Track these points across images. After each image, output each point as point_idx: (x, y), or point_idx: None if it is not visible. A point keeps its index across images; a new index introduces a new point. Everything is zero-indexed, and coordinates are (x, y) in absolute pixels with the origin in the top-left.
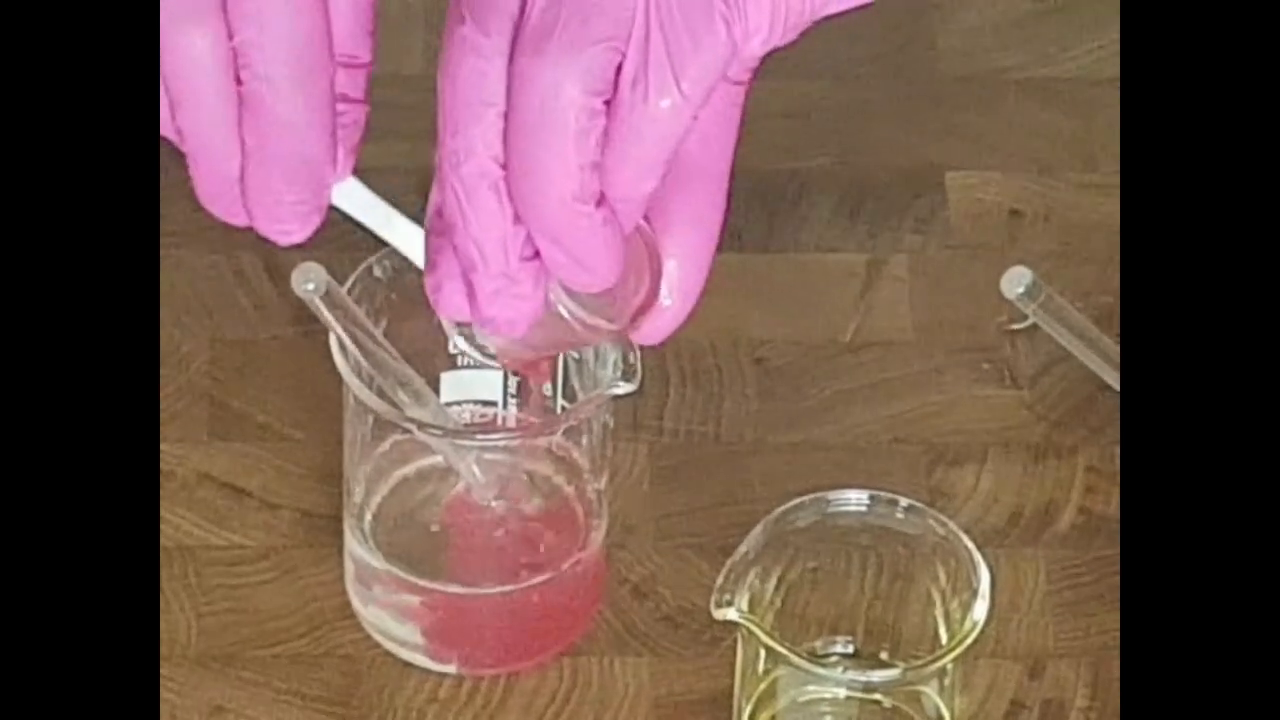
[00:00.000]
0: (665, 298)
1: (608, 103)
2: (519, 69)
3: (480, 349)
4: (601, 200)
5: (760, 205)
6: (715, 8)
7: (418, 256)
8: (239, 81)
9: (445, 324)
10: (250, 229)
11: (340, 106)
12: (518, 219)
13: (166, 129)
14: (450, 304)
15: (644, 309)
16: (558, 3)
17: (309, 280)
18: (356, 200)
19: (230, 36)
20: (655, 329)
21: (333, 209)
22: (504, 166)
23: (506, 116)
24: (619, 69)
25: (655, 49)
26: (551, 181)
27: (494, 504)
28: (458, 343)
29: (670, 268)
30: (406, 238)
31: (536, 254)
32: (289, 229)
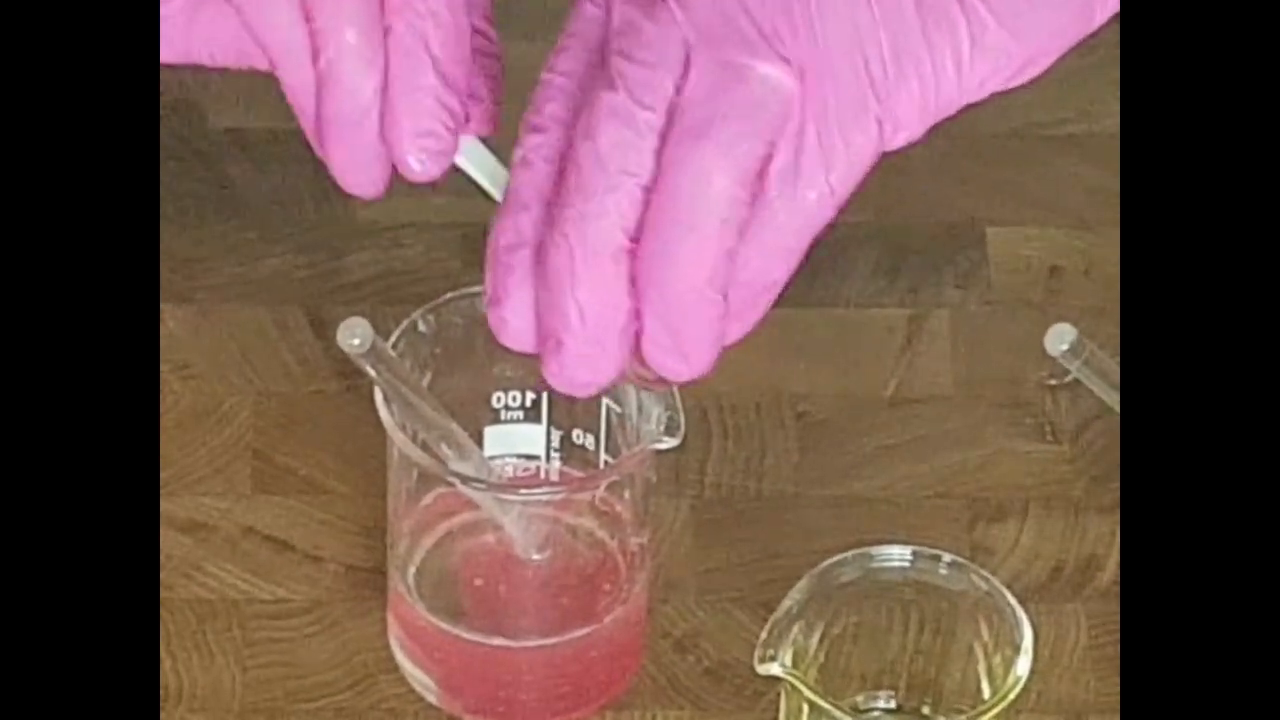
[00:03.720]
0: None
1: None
2: (677, 151)
3: None
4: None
5: (801, 260)
6: (869, 107)
7: None
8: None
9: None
10: (293, 279)
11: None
12: (628, 292)
13: (292, 72)
14: (519, 338)
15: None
16: (722, 91)
17: (354, 335)
18: (480, 161)
19: None
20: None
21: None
22: (633, 240)
23: (649, 193)
24: (768, 158)
25: (809, 144)
26: (687, 265)
27: (536, 558)
28: None
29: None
30: None
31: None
32: (430, 145)
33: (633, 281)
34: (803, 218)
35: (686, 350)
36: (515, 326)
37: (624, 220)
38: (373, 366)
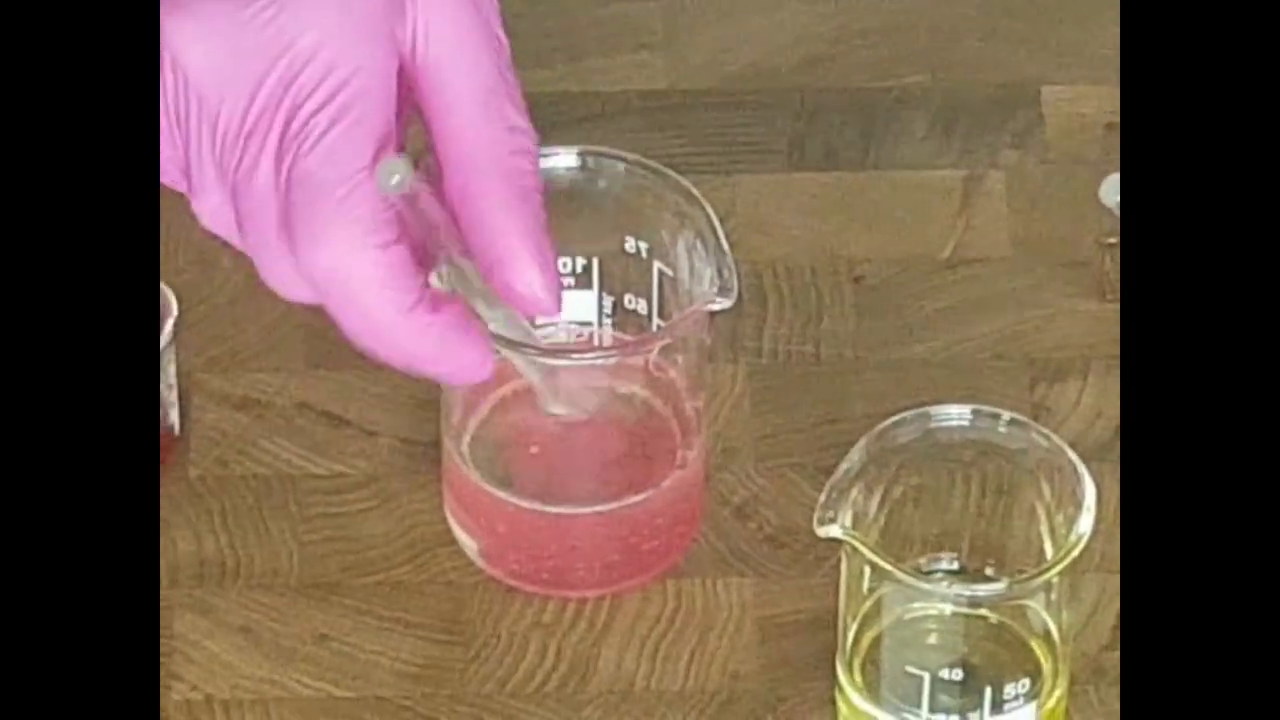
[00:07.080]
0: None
1: None
2: None
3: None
4: None
5: (856, 123)
6: None
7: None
8: None
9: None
10: None
11: None
12: None
13: None
14: None
15: None
16: None
17: (394, 173)
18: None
19: None
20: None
21: None
22: None
23: None
24: None
25: None
26: None
27: (566, 413)
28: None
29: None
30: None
31: None
32: None
33: None
34: None
35: None
36: None
37: None
38: (411, 208)
